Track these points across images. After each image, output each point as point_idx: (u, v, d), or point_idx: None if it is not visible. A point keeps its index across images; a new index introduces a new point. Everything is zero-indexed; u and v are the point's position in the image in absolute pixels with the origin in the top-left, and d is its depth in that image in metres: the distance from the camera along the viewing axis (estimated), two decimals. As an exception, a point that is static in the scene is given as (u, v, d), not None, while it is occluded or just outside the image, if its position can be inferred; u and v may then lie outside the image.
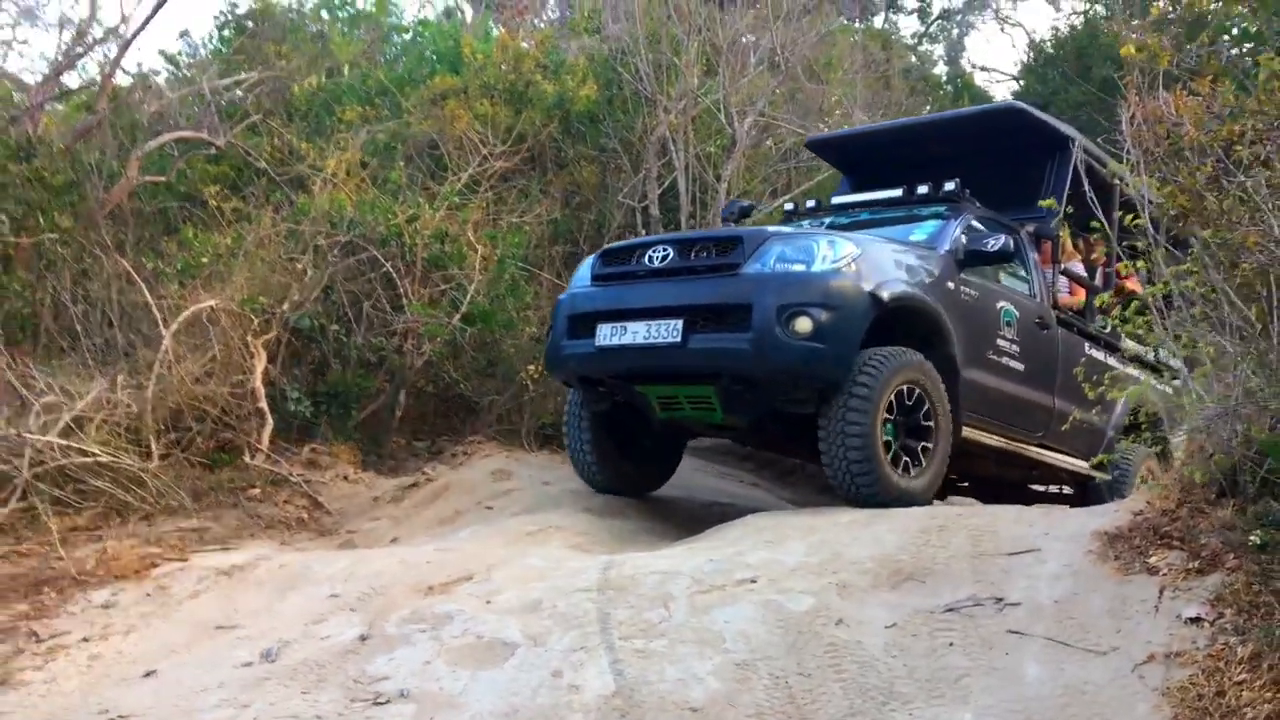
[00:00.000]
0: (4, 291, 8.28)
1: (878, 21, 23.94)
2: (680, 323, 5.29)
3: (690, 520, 6.04)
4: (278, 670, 3.66)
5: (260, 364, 7.14)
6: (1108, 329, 6.89)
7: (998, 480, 7.05)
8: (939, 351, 5.62)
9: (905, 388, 5.33)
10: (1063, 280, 7.19)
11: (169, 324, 6.96)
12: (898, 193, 6.60)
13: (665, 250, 5.62)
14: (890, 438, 5.31)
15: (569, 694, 3.27)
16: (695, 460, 7.69)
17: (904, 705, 3.16)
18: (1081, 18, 19.89)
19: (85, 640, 4.22)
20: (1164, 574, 3.60)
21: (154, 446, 6.53)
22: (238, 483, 6.57)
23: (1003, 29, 43.88)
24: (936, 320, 5.64)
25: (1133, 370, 6.77)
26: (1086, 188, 4.97)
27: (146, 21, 10.86)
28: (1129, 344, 6.24)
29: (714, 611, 3.79)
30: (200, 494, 6.32)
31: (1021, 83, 20.23)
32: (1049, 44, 19.86)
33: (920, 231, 6.21)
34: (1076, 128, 7.43)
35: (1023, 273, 6.66)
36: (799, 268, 5.30)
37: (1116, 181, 5.29)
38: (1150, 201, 4.44)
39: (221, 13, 15.31)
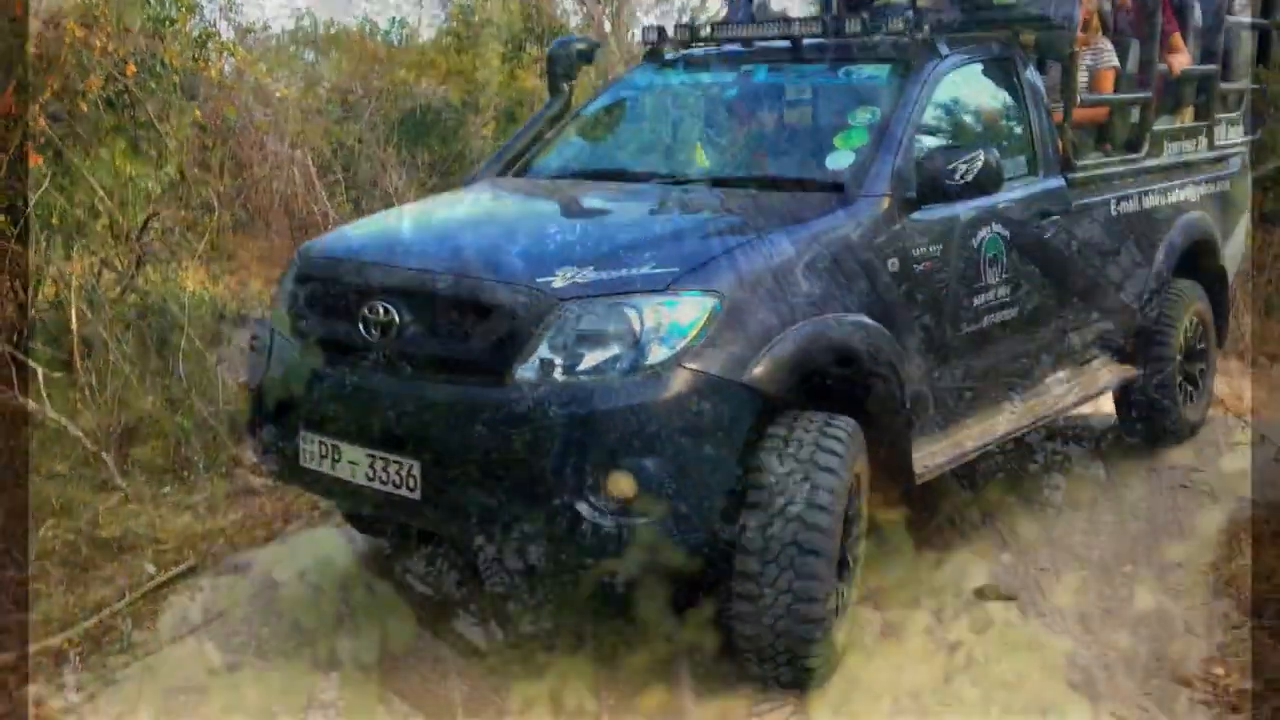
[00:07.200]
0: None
1: None
2: (418, 467, 3.15)
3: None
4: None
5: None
6: (1144, 150, 5.14)
7: None
8: (878, 391, 3.57)
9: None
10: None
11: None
12: (814, 26, 4.32)
13: (390, 310, 3.25)
14: None
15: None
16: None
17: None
18: None
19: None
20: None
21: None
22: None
23: None
24: (865, 359, 3.47)
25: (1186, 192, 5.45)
26: None
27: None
28: (1174, 147, 5.28)
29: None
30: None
31: None
32: None
33: (846, 146, 3.92)
34: None
35: (1020, 127, 4.51)
36: (613, 356, 3.02)
37: None
38: None
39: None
